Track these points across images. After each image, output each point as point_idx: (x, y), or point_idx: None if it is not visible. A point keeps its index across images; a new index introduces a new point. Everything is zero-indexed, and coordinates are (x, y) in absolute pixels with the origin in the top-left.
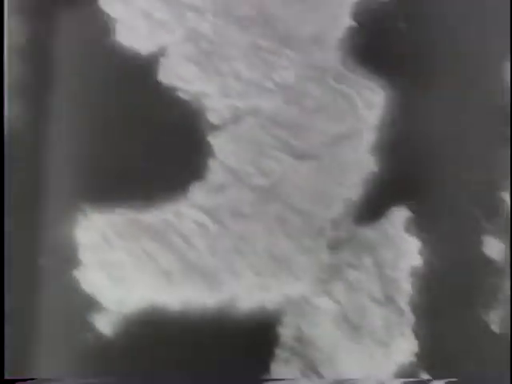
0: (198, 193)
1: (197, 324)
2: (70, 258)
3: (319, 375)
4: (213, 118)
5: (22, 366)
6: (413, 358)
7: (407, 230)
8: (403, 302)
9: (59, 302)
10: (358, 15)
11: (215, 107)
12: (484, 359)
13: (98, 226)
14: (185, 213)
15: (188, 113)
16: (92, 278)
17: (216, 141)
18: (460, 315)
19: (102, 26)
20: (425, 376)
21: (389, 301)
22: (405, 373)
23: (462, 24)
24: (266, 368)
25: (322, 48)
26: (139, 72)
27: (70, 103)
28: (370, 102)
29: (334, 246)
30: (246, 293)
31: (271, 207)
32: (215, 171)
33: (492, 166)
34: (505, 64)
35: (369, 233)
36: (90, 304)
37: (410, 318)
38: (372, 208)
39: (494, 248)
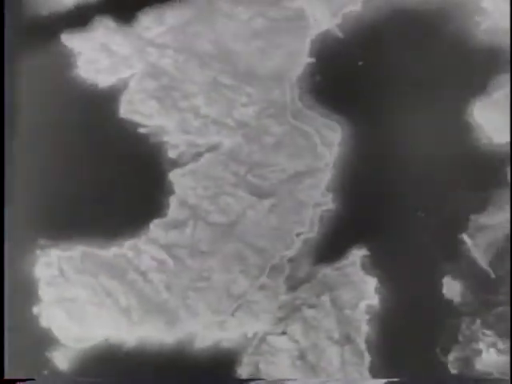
0: (157, 229)
1: (154, 361)
2: (29, 294)
3: None
4: (172, 154)
5: None
6: None
7: (365, 269)
8: (361, 342)
9: (18, 337)
10: (316, 52)
11: (175, 143)
12: None
13: (55, 261)
14: (143, 249)
15: (148, 148)
16: (51, 314)
17: (175, 177)
18: (418, 356)
19: (64, 60)
20: None
21: (346, 340)
22: None
23: (420, 62)
24: None
25: (281, 85)
26: (100, 106)
27: (31, 139)
28: (328, 140)
29: (293, 285)
30: (203, 331)
31: (229, 245)
32: (174, 208)
33: (452, 207)
34: (467, 103)
35: (327, 272)
36: (47, 340)
37: (367, 358)
38: (330, 247)
39: (453, 289)
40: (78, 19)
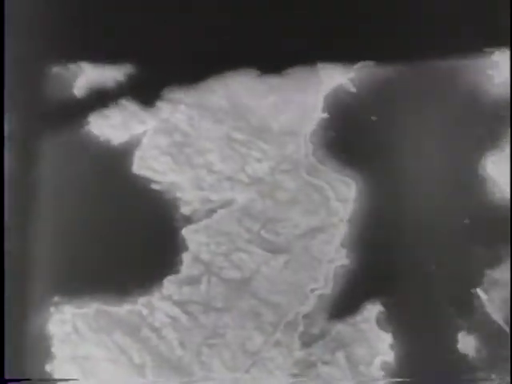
0: (170, 286)
1: None
2: (42, 351)
3: None
4: (186, 210)
5: None
6: None
7: (380, 325)
8: None
9: None
10: (329, 107)
11: (188, 199)
12: None
13: (69, 318)
14: (157, 306)
15: (161, 205)
16: (64, 371)
17: (189, 234)
18: None
19: (77, 116)
20: None
21: None
22: None
23: (434, 116)
24: None
25: (295, 140)
26: (113, 163)
27: (46, 199)
28: (342, 195)
29: (307, 342)
30: None
31: (243, 301)
32: (188, 264)
33: (466, 262)
34: (480, 157)
35: (342, 328)
36: None
37: None
38: (345, 303)
39: (468, 345)
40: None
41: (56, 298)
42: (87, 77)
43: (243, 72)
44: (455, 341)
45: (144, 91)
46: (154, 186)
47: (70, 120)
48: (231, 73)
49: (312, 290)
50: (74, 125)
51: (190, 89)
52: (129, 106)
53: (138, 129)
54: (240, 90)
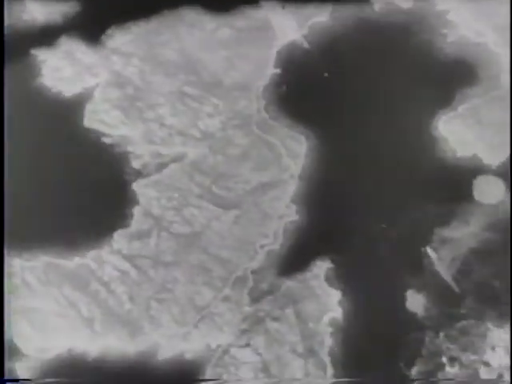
0: (120, 239)
1: (116, 372)
2: None
3: None
4: (137, 164)
5: None
6: None
7: (329, 282)
8: (324, 355)
9: None
10: (282, 63)
11: (139, 153)
12: None
13: (18, 271)
14: (106, 259)
15: (112, 158)
16: (13, 324)
17: (139, 188)
18: (382, 369)
19: (30, 69)
20: None
21: (310, 353)
22: None
23: (386, 75)
24: None
25: (247, 95)
26: (64, 116)
27: None
28: (294, 151)
29: (256, 297)
30: (167, 342)
31: (193, 256)
32: (138, 218)
33: (416, 220)
34: (432, 116)
35: (291, 284)
36: (10, 350)
37: (330, 371)
38: (294, 259)
39: (417, 303)
40: (48, 38)
41: (4, 251)
42: (32, 13)
43: (186, 10)
44: (404, 299)
45: (88, 28)
46: (105, 140)
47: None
48: (174, 11)
49: (262, 246)
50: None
51: (131, 27)
52: (82, 59)
53: (89, 81)
54: (192, 44)
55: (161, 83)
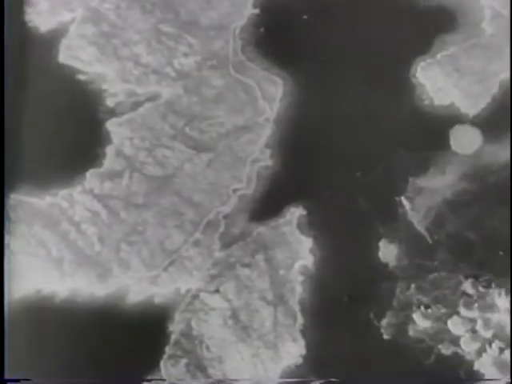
0: (92, 179)
1: (85, 314)
2: None
3: (206, 374)
4: (111, 102)
5: None
6: (300, 361)
7: (301, 229)
8: (294, 303)
9: None
10: (261, 2)
11: (113, 91)
12: (373, 365)
13: None
14: (78, 199)
15: (86, 96)
16: None
17: (113, 126)
18: (351, 320)
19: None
20: (312, 380)
21: (279, 301)
22: (291, 375)
23: (366, 20)
24: (152, 364)
25: (224, 36)
26: (39, 51)
27: None
28: (270, 94)
29: (227, 243)
30: (136, 285)
31: (165, 198)
32: (111, 158)
33: (391, 169)
34: (410, 63)
35: (263, 230)
36: None
37: (299, 319)
38: (267, 205)
39: (389, 253)
40: None
41: None
42: None
43: None
44: (376, 249)
45: None
46: (80, 77)
47: None
48: None
49: (234, 190)
50: None
51: None
52: None
53: (65, 16)
54: None
55: (137, 20)
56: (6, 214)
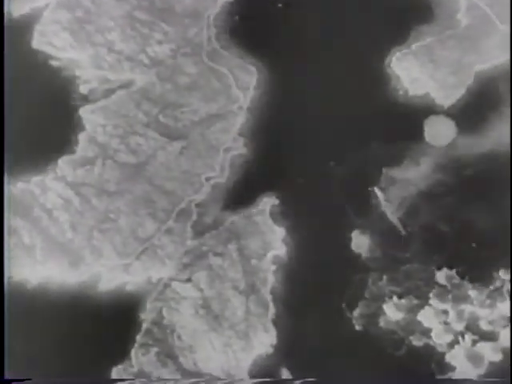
0: (64, 166)
1: (56, 302)
2: None
3: (177, 363)
4: (84, 89)
5: None
6: (271, 350)
7: (274, 219)
8: (266, 293)
9: None
10: None
11: (87, 78)
12: (344, 356)
13: None
14: (50, 186)
15: (59, 82)
16: None
17: (86, 113)
18: (324, 309)
19: None
20: (283, 370)
21: (251, 290)
22: (262, 364)
23: (342, 9)
24: (123, 353)
25: (198, 23)
26: (11, 37)
27: None
28: (243, 83)
29: (200, 231)
30: (108, 273)
31: (137, 186)
32: (83, 145)
33: (365, 160)
34: (385, 53)
35: (235, 219)
36: None
37: (271, 309)
38: (240, 194)
39: (362, 244)
40: None
41: None
42: None
43: None
44: (349, 239)
45: None
46: (53, 63)
47: None
48: None
49: (207, 179)
50: None
51: None
52: None
53: (40, 1)
54: None
55: (111, 6)
56: None
